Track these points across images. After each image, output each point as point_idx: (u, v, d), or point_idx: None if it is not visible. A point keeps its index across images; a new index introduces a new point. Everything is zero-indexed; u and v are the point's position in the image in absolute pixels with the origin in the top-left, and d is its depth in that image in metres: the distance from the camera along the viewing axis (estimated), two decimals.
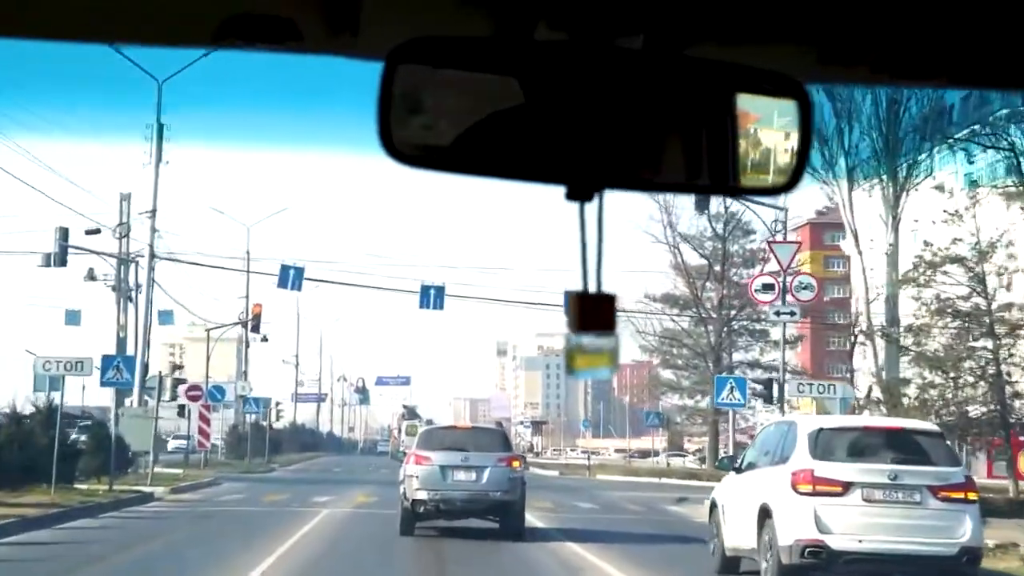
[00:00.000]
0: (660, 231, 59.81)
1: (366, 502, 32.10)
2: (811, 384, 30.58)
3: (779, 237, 34.70)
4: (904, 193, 37.88)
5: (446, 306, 39.37)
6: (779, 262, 31.43)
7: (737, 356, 64.55)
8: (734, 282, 61.89)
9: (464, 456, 22.31)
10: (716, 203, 58.33)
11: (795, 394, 30.95)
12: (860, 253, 38.64)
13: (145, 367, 38.20)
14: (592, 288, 2.00)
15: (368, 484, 40.98)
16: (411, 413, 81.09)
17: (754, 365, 65.29)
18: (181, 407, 59.94)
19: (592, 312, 2.01)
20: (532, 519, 24.50)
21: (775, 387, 32.46)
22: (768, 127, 2.16)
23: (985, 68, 2.36)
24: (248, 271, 53.48)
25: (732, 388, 31.11)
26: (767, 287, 31.74)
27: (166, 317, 61.31)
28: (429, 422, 25.63)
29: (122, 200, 40.79)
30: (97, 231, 38.55)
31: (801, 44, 2.25)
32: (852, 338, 47.33)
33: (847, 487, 14.44)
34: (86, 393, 58.10)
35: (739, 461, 17.45)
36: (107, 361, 30.97)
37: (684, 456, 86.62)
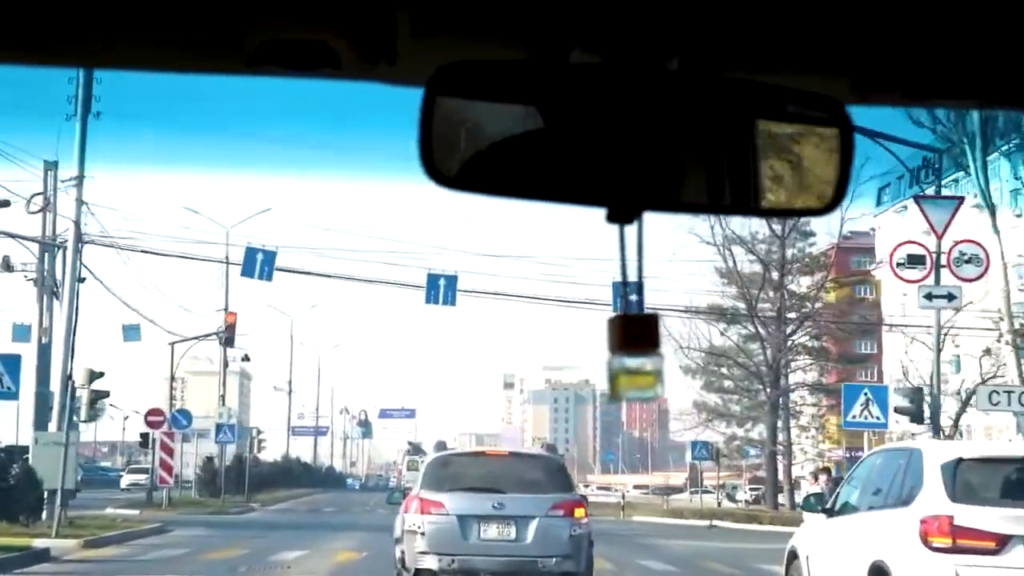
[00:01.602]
0: (706, 230, 50.77)
1: (350, 560, 23.29)
2: (1009, 392, 21.36)
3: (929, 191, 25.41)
4: None
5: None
6: (931, 226, 22.44)
7: (794, 378, 55.70)
8: (791, 291, 53.05)
9: (498, 501, 14.29)
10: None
11: (987, 405, 21.77)
12: (998, 233, 29.53)
13: (68, 381, 29.14)
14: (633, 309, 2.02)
15: (359, 530, 32.33)
16: (416, 449, 74.63)
17: (816, 388, 56.27)
18: (144, 436, 51.19)
19: (636, 332, 2.00)
20: None
21: (926, 399, 22.99)
22: (809, 148, 2.15)
23: (1016, 88, 2.35)
24: (227, 262, 44.42)
25: (867, 401, 21.96)
26: (915, 260, 22.61)
27: (131, 333, 52.98)
28: (441, 445, 17.14)
29: (47, 169, 32.04)
30: (6, 204, 29.67)
31: (835, 71, 2.27)
32: (936, 356, 38.69)
33: (1004, 542, 11.18)
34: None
35: (831, 501, 14.11)
36: None
37: (711, 493, 77.39)
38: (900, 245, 23.49)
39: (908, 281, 23.37)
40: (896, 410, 22.26)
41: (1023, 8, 2.10)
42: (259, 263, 30.61)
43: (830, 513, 13.75)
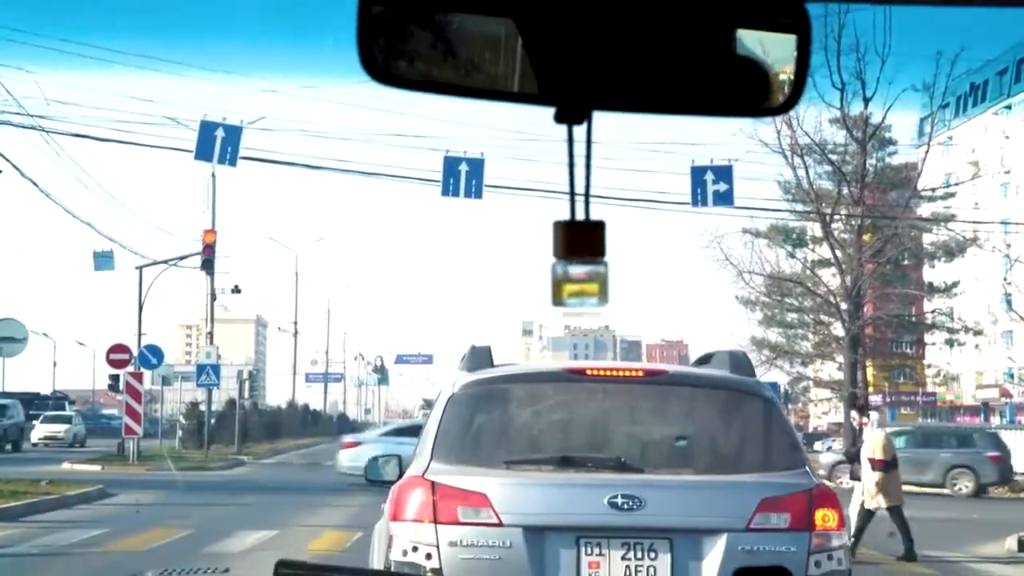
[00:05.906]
0: (770, 135, 42.57)
1: (331, 551, 15.69)
2: None
3: None
4: None
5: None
6: None
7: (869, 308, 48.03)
8: (871, 207, 45.24)
9: (626, 494, 5.64)
10: (849, 99, 41.95)
11: None
12: None
13: None
14: (580, 215, 1.97)
15: (360, 492, 24.56)
16: (430, 405, 66.56)
17: (896, 320, 48.79)
18: (114, 378, 44.04)
19: (581, 238, 1.97)
20: None
21: None
22: (767, 48, 2.09)
23: None
24: (212, 171, 36.87)
25: None
26: None
27: (103, 261, 45.93)
28: (481, 355, 6.69)
29: None
30: None
31: None
32: None
33: None
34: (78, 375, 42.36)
35: None
36: None
37: None
38: None
39: None
40: None
41: None
42: (219, 142, 22.99)
43: None
